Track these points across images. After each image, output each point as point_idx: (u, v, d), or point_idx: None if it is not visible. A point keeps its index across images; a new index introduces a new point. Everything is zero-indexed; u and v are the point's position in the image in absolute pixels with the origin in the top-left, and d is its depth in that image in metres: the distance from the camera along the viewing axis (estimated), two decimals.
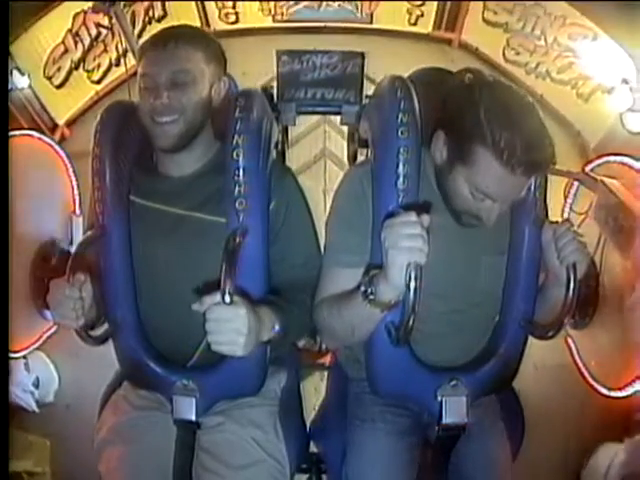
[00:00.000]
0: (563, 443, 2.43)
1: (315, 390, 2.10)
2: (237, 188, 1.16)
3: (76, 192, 2.13)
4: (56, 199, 2.08)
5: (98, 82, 2.87)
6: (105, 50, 2.80)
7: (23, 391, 2.42)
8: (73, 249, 1.19)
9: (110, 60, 2.80)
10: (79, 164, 2.16)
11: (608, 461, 2.18)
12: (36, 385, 2.46)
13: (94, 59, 2.81)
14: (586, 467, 2.30)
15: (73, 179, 2.13)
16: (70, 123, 2.87)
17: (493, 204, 1.13)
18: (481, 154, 1.07)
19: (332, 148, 2.98)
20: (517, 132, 1.04)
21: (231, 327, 0.98)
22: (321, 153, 3.01)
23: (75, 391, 2.52)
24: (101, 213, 1.23)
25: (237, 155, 1.16)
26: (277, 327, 1.10)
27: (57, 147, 2.11)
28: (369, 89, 2.50)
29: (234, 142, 1.16)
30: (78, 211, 2.11)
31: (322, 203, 2.43)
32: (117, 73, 2.68)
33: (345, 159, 2.18)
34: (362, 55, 1.98)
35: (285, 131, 1.98)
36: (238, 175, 1.16)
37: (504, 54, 2.92)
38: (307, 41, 2.92)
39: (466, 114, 1.08)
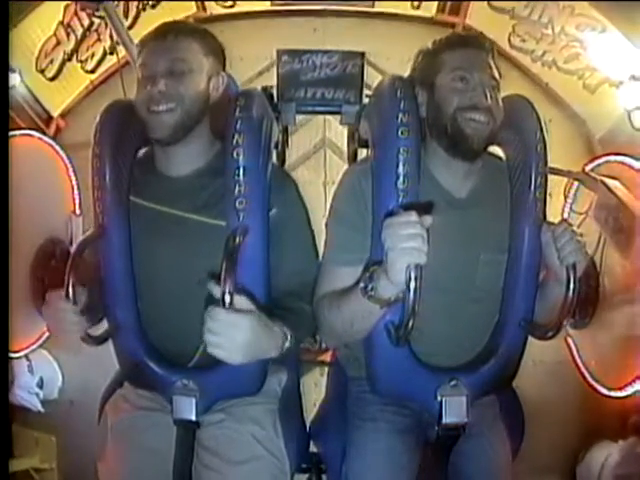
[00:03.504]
0: (560, 438, 2.42)
1: (315, 385, 2.09)
2: (237, 188, 1.16)
3: (76, 192, 2.13)
4: (56, 199, 2.07)
5: (92, 71, 2.82)
6: (99, 39, 2.75)
7: (28, 393, 2.42)
8: (73, 249, 1.19)
9: (104, 49, 2.75)
10: (76, 156, 2.13)
11: (602, 460, 2.19)
12: (40, 386, 2.47)
13: (87, 49, 2.77)
14: (581, 463, 2.32)
15: (73, 179, 2.12)
16: (65, 114, 2.84)
17: (467, 85, 1.20)
18: (443, 55, 1.25)
19: (332, 137, 2.81)
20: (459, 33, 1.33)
21: (230, 333, 0.96)
22: (321, 142, 2.86)
23: (78, 387, 2.51)
24: (101, 213, 1.23)
25: (237, 154, 1.16)
26: (287, 344, 1.08)
27: (57, 147, 2.10)
28: (371, 77, 2.43)
29: (234, 141, 1.16)
30: (78, 211, 2.11)
31: (322, 197, 2.36)
32: (111, 61, 2.60)
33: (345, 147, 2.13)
34: (362, 55, 1.98)
35: (285, 131, 1.98)
36: (238, 175, 1.16)
37: (510, 40, 2.83)
38: (307, 25, 2.78)
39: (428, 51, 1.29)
